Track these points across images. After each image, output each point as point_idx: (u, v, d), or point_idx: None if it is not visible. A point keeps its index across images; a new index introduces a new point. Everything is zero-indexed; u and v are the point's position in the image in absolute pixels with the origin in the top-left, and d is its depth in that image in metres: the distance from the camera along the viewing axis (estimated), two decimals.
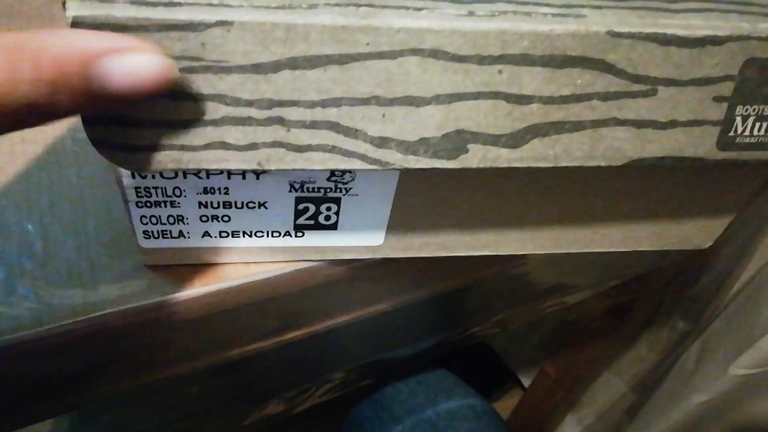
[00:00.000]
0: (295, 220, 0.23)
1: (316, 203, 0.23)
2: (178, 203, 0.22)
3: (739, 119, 0.21)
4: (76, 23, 0.15)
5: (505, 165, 0.20)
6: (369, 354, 0.45)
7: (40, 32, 0.14)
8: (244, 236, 0.24)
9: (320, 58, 0.17)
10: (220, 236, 0.23)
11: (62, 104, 0.14)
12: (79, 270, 0.23)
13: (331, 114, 0.18)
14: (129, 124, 0.17)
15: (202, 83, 0.17)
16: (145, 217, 0.22)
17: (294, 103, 0.18)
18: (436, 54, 0.18)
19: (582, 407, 0.74)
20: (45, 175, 0.26)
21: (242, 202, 0.22)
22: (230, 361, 0.29)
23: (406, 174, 0.23)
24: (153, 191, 0.21)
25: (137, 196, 0.21)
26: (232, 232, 0.23)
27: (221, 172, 0.21)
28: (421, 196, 0.24)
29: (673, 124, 0.20)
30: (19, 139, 0.27)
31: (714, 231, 0.29)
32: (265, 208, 0.23)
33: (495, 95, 0.19)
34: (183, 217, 0.22)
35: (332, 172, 0.22)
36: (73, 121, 0.28)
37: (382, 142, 0.19)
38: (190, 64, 0.17)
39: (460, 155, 0.20)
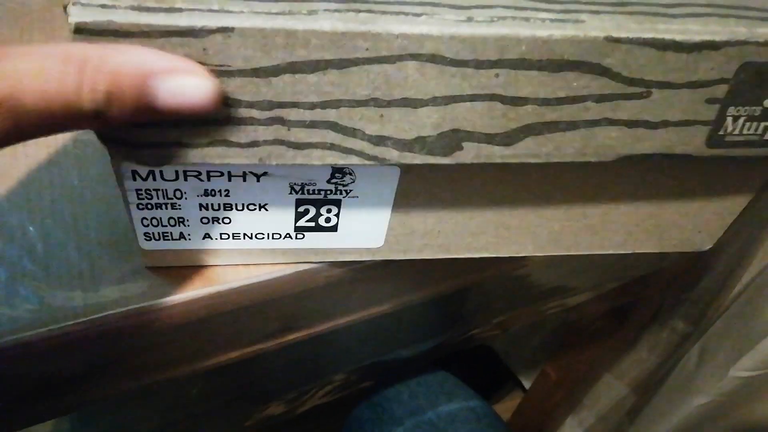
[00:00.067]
0: (296, 222, 0.24)
1: (316, 205, 0.23)
2: (179, 205, 0.22)
3: (730, 119, 0.21)
4: (79, 29, 0.16)
5: (498, 161, 0.20)
6: (369, 356, 0.45)
7: (104, 46, 0.15)
8: (244, 238, 0.24)
9: (320, 63, 0.17)
10: (221, 238, 0.24)
11: (112, 114, 0.15)
12: (80, 271, 0.24)
13: (330, 114, 0.19)
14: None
15: None
16: (146, 219, 0.22)
17: (294, 105, 0.18)
18: (434, 59, 0.18)
19: (582, 409, 0.74)
20: (46, 176, 0.26)
21: (243, 204, 0.22)
22: (230, 362, 0.29)
23: (405, 176, 0.23)
24: (154, 193, 0.21)
25: (138, 198, 0.21)
26: (233, 234, 0.24)
27: (221, 174, 0.21)
28: (421, 198, 0.24)
29: (664, 123, 0.21)
30: None
31: (714, 233, 0.29)
32: (266, 210, 0.23)
33: (491, 97, 0.19)
34: (184, 219, 0.22)
35: (332, 174, 0.22)
36: None
37: (379, 140, 0.19)
38: None
39: (455, 152, 0.20)
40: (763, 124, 0.21)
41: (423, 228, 0.25)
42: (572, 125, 0.20)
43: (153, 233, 0.23)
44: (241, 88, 0.17)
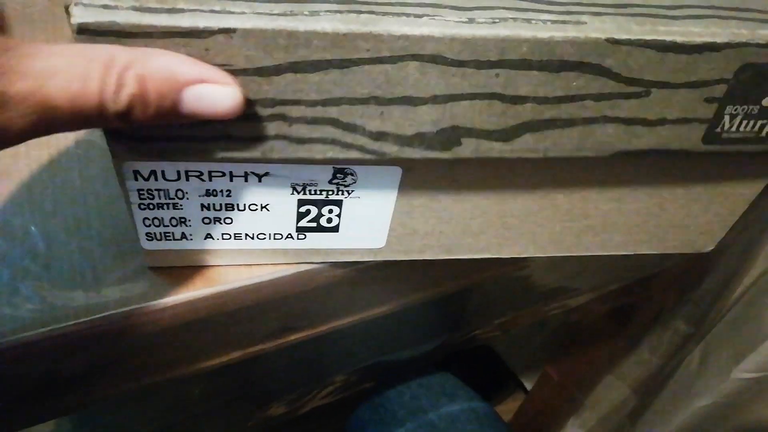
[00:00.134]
0: (297, 222, 0.24)
1: (318, 206, 0.23)
2: (181, 205, 0.22)
3: (727, 117, 0.21)
4: (82, 30, 0.16)
5: (496, 156, 0.21)
6: (371, 356, 0.45)
7: (134, 50, 0.16)
8: (246, 238, 0.24)
9: (321, 63, 0.17)
10: (223, 238, 0.24)
11: (135, 116, 0.16)
12: (81, 272, 0.24)
13: (332, 112, 0.19)
14: None
15: None
16: (148, 219, 0.22)
17: (296, 102, 0.18)
18: (435, 59, 0.18)
19: (584, 410, 0.74)
20: (48, 177, 0.26)
21: (244, 205, 0.22)
22: (232, 362, 0.29)
23: (407, 176, 0.23)
24: (156, 193, 0.21)
25: (140, 198, 0.21)
26: (234, 234, 0.24)
27: (223, 174, 0.21)
28: (423, 199, 0.24)
29: (662, 121, 0.21)
30: None
31: (716, 234, 0.29)
32: (267, 210, 0.23)
33: (490, 96, 0.19)
34: (185, 219, 0.22)
35: (334, 175, 0.22)
36: None
37: (379, 136, 0.20)
38: None
39: (454, 147, 0.20)
40: (760, 122, 0.21)
41: (424, 229, 0.25)
42: (570, 122, 0.20)
43: (155, 233, 0.23)
44: (242, 86, 0.17)
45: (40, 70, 0.15)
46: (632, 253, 0.29)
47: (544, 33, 0.18)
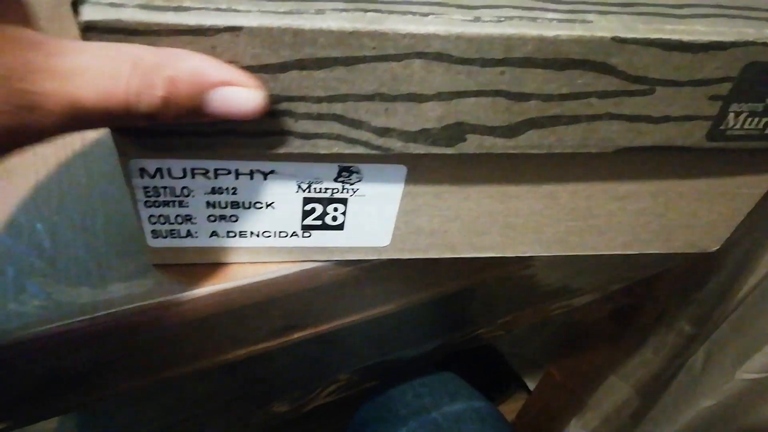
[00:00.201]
0: (302, 220, 0.24)
1: (323, 204, 0.23)
2: (187, 203, 0.22)
3: (732, 115, 0.21)
4: (89, 27, 0.16)
5: (500, 151, 0.21)
6: (374, 355, 0.45)
7: (163, 50, 0.16)
8: (251, 236, 0.24)
9: (327, 60, 0.18)
10: (228, 236, 0.24)
11: (166, 116, 0.16)
12: (87, 268, 0.24)
13: (337, 108, 0.19)
14: None
15: None
16: (154, 216, 0.22)
17: (301, 99, 0.18)
18: (440, 57, 0.18)
19: (587, 411, 0.74)
20: (54, 174, 0.26)
21: (250, 202, 0.23)
22: (236, 360, 0.29)
23: (412, 174, 0.23)
24: (162, 191, 0.21)
25: (146, 196, 0.21)
26: (240, 232, 0.24)
27: (229, 172, 0.21)
28: (427, 198, 0.24)
29: (666, 119, 0.21)
30: None
31: (721, 234, 0.29)
32: (273, 208, 0.23)
33: (495, 93, 0.19)
34: (191, 217, 0.23)
35: (339, 173, 0.22)
36: None
37: (384, 132, 0.20)
38: None
39: (458, 143, 0.20)
40: (764, 120, 0.22)
41: (429, 227, 0.25)
42: (575, 119, 0.20)
43: (160, 231, 0.23)
44: None
45: (69, 68, 0.15)
46: (636, 252, 0.29)
47: (549, 32, 0.18)
